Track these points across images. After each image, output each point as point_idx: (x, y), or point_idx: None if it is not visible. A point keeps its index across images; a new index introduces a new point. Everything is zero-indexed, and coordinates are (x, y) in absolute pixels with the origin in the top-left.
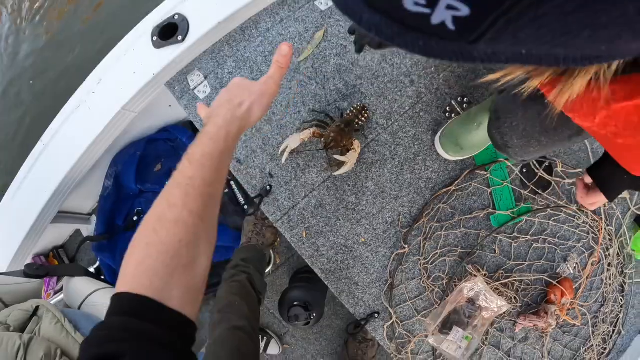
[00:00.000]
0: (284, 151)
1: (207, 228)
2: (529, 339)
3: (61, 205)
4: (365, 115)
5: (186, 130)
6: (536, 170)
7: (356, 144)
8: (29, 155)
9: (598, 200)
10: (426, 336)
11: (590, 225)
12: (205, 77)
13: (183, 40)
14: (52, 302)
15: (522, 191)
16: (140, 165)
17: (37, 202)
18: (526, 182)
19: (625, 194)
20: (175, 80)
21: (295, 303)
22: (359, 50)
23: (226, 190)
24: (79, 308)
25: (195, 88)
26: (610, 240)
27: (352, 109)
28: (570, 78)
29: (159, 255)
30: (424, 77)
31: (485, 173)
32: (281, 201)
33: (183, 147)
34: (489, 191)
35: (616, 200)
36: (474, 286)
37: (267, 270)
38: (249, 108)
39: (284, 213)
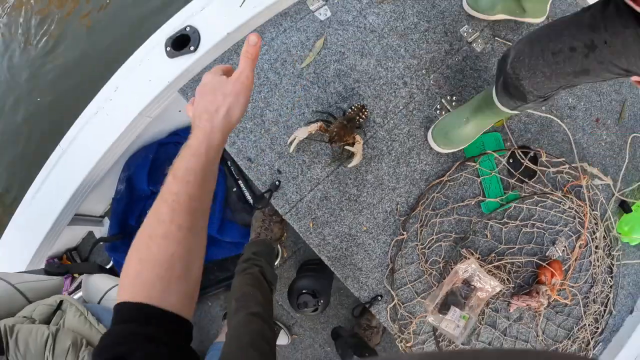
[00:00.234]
0: (292, 142)
1: (197, 239)
2: (523, 319)
3: (78, 208)
4: (365, 113)
5: None
6: (522, 160)
7: (358, 137)
8: (48, 160)
9: None
10: (426, 316)
11: (576, 211)
12: None
13: (195, 50)
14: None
15: (509, 180)
16: (152, 168)
17: (55, 205)
18: (513, 171)
19: (608, 180)
20: (187, 87)
21: (304, 291)
22: None
23: (234, 189)
24: (99, 303)
25: None
26: (596, 224)
27: (353, 107)
28: None
29: (154, 269)
30: (415, 79)
31: (475, 164)
32: (289, 195)
33: None
34: (479, 181)
35: (600, 186)
36: (468, 267)
37: (275, 264)
38: (227, 112)
39: (292, 206)
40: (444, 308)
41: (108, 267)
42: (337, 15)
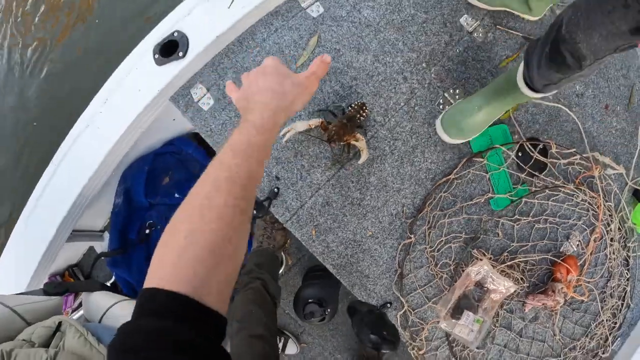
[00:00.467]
0: (287, 132)
1: (247, 223)
2: (539, 318)
3: (75, 224)
4: (365, 111)
5: (191, 142)
6: (531, 153)
7: (359, 136)
8: (42, 177)
9: None
10: (438, 322)
11: (589, 203)
12: (208, 90)
13: (184, 55)
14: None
15: (519, 174)
16: (148, 179)
17: (52, 222)
18: (522, 165)
19: (621, 169)
20: (179, 94)
21: (310, 300)
22: None
23: None
24: (100, 321)
25: (199, 101)
26: (610, 215)
27: (352, 105)
28: None
29: (206, 244)
30: (415, 73)
31: (482, 159)
32: (289, 202)
33: (189, 159)
34: (487, 177)
35: (612, 176)
36: (480, 269)
37: (280, 272)
38: (293, 100)
39: (293, 213)
40: (456, 312)
41: (110, 282)
42: (330, 11)
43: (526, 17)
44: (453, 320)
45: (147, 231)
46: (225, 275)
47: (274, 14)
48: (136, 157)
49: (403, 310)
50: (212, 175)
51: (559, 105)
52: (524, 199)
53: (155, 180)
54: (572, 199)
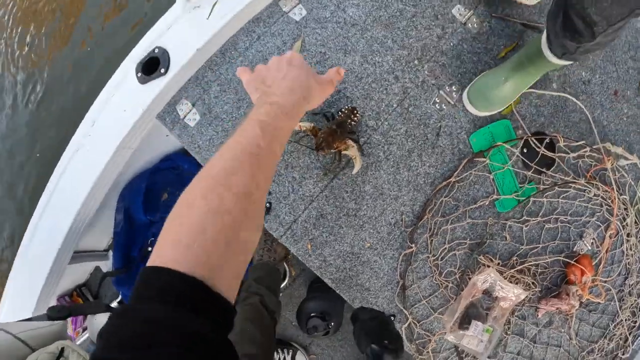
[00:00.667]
0: None
1: (262, 208)
2: (554, 323)
3: (76, 246)
4: (357, 116)
5: (186, 157)
6: (537, 149)
7: (350, 142)
8: (38, 203)
9: None
10: (445, 334)
11: (602, 197)
12: (193, 105)
13: (166, 72)
14: (79, 342)
15: (525, 172)
16: (147, 197)
17: (51, 246)
18: (528, 162)
19: (635, 159)
20: (165, 112)
21: (312, 314)
22: None
23: None
24: None
25: (185, 117)
26: (625, 209)
27: (342, 110)
28: None
29: (223, 228)
30: (407, 72)
31: (484, 159)
32: (282, 216)
33: (187, 174)
34: (491, 177)
35: (626, 167)
36: (487, 277)
37: (283, 285)
38: (314, 96)
39: (287, 228)
40: (464, 322)
41: (117, 300)
42: (313, 12)
43: (523, 1)
44: (461, 332)
45: (150, 248)
46: (237, 265)
47: (255, 21)
48: (134, 174)
49: (407, 323)
50: (231, 152)
51: (565, 95)
52: (531, 199)
53: (154, 197)
54: (584, 195)
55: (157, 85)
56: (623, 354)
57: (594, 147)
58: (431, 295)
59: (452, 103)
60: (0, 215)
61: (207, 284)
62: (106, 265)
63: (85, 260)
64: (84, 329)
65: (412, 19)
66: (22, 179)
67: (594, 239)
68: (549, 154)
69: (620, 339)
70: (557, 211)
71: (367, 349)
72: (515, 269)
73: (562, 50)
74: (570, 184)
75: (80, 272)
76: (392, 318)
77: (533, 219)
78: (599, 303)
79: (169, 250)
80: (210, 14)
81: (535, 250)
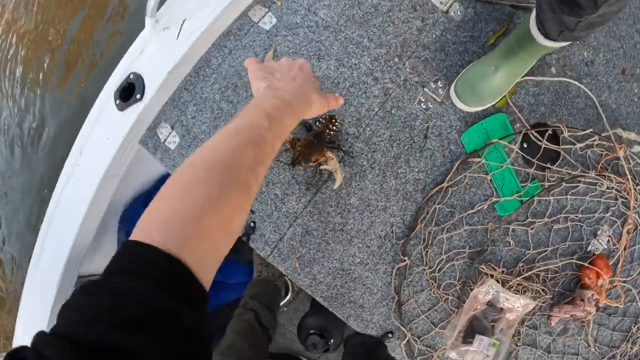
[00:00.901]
0: None
1: (252, 202)
2: (569, 330)
3: (79, 271)
4: (335, 124)
5: None
6: (539, 143)
7: (329, 154)
8: (39, 232)
9: None
10: (446, 351)
11: (616, 190)
12: (172, 127)
13: (141, 97)
14: None
15: (526, 170)
16: None
17: (54, 274)
18: (529, 158)
19: None
20: (146, 136)
21: (312, 331)
22: None
23: None
24: None
25: (166, 140)
26: None
27: (320, 120)
28: None
29: (220, 219)
30: (387, 71)
31: (480, 159)
32: (267, 235)
33: None
34: (488, 178)
35: None
36: (489, 289)
37: (286, 299)
38: (312, 108)
39: (273, 247)
40: (469, 337)
41: None
42: (283, 19)
43: None
44: (464, 347)
45: None
46: (220, 255)
47: (226, 35)
48: (132, 197)
49: (406, 339)
50: (242, 139)
51: (566, 79)
52: (536, 198)
53: None
54: (596, 189)
55: (134, 111)
56: None
57: (603, 134)
58: (430, 310)
59: (439, 100)
60: (22, 247)
61: (191, 270)
62: None
63: None
64: None
65: (388, 13)
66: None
67: (609, 236)
68: (553, 146)
69: None
70: (566, 209)
71: None
72: (522, 277)
73: (559, 28)
74: (579, 178)
75: None
76: (390, 335)
77: (539, 220)
78: (619, 306)
79: (155, 229)
80: (179, 33)
81: (544, 254)
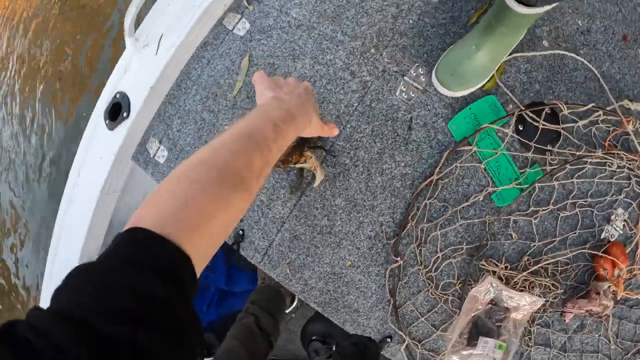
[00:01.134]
0: None
1: (247, 201)
2: (586, 326)
3: None
4: None
5: None
6: (535, 124)
7: (307, 154)
8: (48, 255)
9: None
10: (445, 356)
11: (628, 168)
12: (160, 142)
13: (128, 115)
14: None
15: (524, 154)
16: None
17: None
18: (526, 141)
19: None
20: (138, 152)
21: (314, 338)
22: None
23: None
24: None
25: (155, 155)
26: None
27: None
28: None
29: (224, 217)
30: (364, 64)
31: (470, 147)
32: (257, 242)
33: None
34: (482, 167)
35: None
36: (489, 287)
37: (293, 305)
38: (309, 128)
39: (263, 254)
40: (473, 339)
41: None
42: (257, 24)
43: None
44: (467, 351)
45: None
46: (215, 247)
47: (203, 46)
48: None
49: (405, 344)
50: (250, 147)
51: (561, 52)
52: (537, 185)
53: None
54: (605, 169)
55: (123, 129)
56: None
57: (608, 108)
58: (430, 312)
59: (421, 88)
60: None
61: (191, 262)
62: None
63: None
64: None
65: (360, 4)
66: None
67: (625, 220)
68: (552, 126)
69: None
70: (573, 195)
71: None
72: (529, 271)
73: None
74: (585, 159)
75: None
76: (389, 340)
77: (543, 208)
78: None
79: (164, 219)
80: (157, 49)
81: (552, 245)
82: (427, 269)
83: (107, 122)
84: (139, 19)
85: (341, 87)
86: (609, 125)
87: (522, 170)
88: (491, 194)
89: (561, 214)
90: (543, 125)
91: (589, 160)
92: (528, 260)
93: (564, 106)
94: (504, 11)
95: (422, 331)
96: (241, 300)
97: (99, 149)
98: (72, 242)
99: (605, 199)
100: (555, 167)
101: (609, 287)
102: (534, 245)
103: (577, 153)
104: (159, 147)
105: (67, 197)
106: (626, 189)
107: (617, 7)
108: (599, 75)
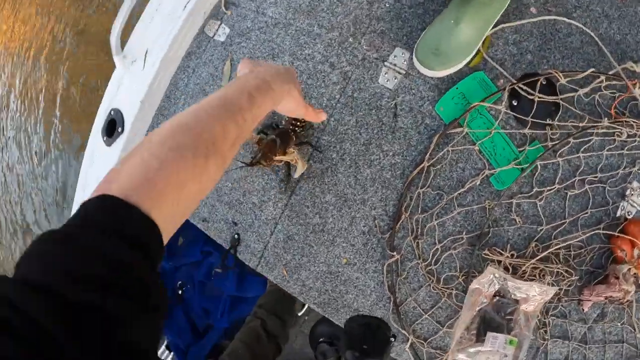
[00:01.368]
0: None
1: (219, 169)
2: (607, 315)
3: None
4: (301, 120)
5: None
6: (530, 97)
7: (290, 150)
8: None
9: None
10: (458, 350)
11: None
12: None
13: (122, 130)
14: None
15: (522, 131)
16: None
17: None
18: (522, 117)
19: None
20: None
21: (321, 340)
22: None
23: None
24: None
25: None
26: None
27: (287, 117)
28: None
29: (197, 188)
30: (343, 54)
31: (462, 129)
32: (252, 246)
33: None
34: (476, 149)
35: None
36: (492, 278)
37: (305, 308)
38: (290, 93)
39: (259, 257)
40: (481, 335)
41: (165, 344)
42: (236, 27)
43: None
44: (475, 348)
45: (180, 292)
46: (184, 217)
47: (187, 56)
48: None
49: (409, 343)
50: (223, 117)
51: (552, 17)
52: (539, 163)
53: (170, 244)
54: (614, 140)
55: (119, 144)
56: None
57: (610, 72)
58: (434, 308)
59: (404, 72)
60: None
61: (159, 230)
62: None
63: None
64: None
65: None
66: None
67: None
68: (550, 98)
69: None
70: (580, 170)
71: (346, 354)
72: (537, 258)
73: None
74: (591, 130)
75: None
76: (393, 339)
77: (548, 188)
78: None
79: (132, 185)
80: (144, 64)
81: (561, 228)
82: (426, 263)
83: (104, 139)
84: (127, 36)
85: (322, 81)
86: (614, 91)
87: (521, 149)
88: (489, 177)
89: (569, 193)
90: (539, 97)
91: (595, 131)
92: (536, 246)
93: (561, 75)
94: None
95: (427, 329)
96: (253, 305)
97: (100, 166)
98: None
99: (618, 173)
100: (558, 142)
101: (629, 269)
102: (542, 230)
103: (581, 124)
104: None
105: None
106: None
107: None
108: (596, 38)
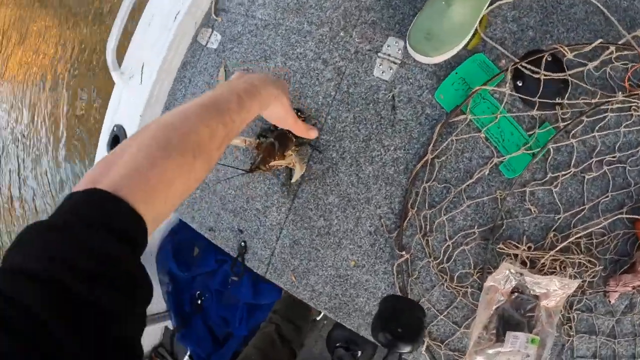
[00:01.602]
0: None
1: (204, 174)
2: (637, 306)
3: None
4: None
5: None
6: (536, 76)
7: (288, 152)
8: None
9: None
10: (476, 352)
11: None
12: None
13: None
14: None
15: (529, 113)
16: (178, 257)
17: None
18: (529, 98)
19: None
20: None
21: (337, 345)
22: None
23: None
24: None
25: None
26: None
27: None
28: None
29: (185, 187)
30: (335, 49)
31: (465, 115)
32: (259, 253)
33: None
34: (482, 136)
35: None
36: (508, 274)
37: (322, 313)
38: (278, 98)
39: (267, 263)
40: (501, 335)
41: (188, 354)
42: (227, 33)
43: None
44: (494, 349)
45: (199, 301)
46: (168, 214)
47: (183, 66)
48: (161, 239)
49: (425, 346)
50: (212, 118)
51: None
52: (551, 146)
53: (186, 255)
54: (631, 115)
55: None
56: None
57: (620, 42)
58: (449, 308)
59: (399, 62)
60: None
61: (146, 225)
62: (172, 324)
63: (150, 323)
64: None
65: None
66: None
67: None
68: (557, 75)
69: None
70: (597, 151)
71: (379, 335)
72: (557, 249)
73: None
74: (604, 106)
75: (152, 335)
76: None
77: (563, 173)
78: None
79: (122, 182)
80: (141, 78)
81: (581, 215)
82: (438, 261)
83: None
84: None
85: (316, 79)
86: (625, 62)
87: (530, 133)
88: (498, 165)
89: (587, 177)
90: (545, 75)
91: (609, 107)
92: (555, 236)
93: (567, 49)
94: None
95: (443, 330)
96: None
97: None
98: None
99: (638, 151)
100: (570, 122)
101: None
102: (560, 218)
103: (593, 101)
104: None
105: None
106: None
107: None
108: (602, 7)
